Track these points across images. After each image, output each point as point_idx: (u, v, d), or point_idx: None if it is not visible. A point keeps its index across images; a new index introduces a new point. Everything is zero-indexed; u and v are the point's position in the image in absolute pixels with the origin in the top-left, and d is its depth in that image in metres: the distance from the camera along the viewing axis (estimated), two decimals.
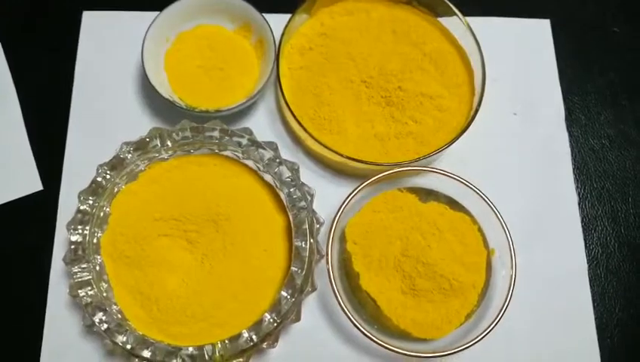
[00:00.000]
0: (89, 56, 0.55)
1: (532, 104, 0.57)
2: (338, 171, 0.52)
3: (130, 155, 0.46)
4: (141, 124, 0.51)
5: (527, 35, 0.59)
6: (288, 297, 0.43)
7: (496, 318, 0.45)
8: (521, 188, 0.53)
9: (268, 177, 0.48)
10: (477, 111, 0.50)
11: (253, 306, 0.44)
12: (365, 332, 0.44)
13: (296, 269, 0.43)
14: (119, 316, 0.43)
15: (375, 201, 0.49)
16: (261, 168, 0.48)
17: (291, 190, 0.46)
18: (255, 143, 0.47)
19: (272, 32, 0.51)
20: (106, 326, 0.42)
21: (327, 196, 0.49)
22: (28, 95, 0.54)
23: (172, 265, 0.45)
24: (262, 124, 0.53)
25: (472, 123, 0.50)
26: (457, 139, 0.49)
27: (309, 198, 0.46)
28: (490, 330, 0.44)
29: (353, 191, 0.48)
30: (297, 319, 0.44)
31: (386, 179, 0.49)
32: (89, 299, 0.43)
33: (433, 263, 0.46)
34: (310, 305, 0.48)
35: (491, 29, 0.58)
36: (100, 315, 0.42)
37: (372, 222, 0.48)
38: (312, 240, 0.44)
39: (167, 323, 0.43)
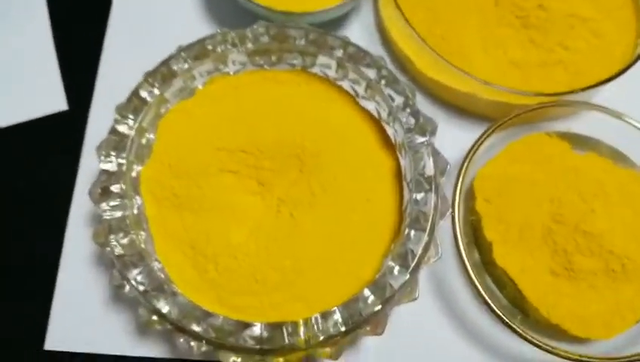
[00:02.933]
0: None
1: None
2: (461, 109, 0.38)
3: (185, 65, 0.33)
4: (201, 28, 0.37)
5: None
6: (398, 268, 0.29)
7: None
8: None
9: (370, 105, 0.34)
10: None
11: (350, 276, 0.30)
12: (510, 322, 0.30)
13: (414, 232, 0.30)
14: (162, 276, 0.30)
15: (514, 148, 0.35)
16: (360, 92, 0.34)
17: (404, 119, 0.32)
18: (355, 57, 0.34)
19: None
20: (142, 287, 0.29)
21: (448, 140, 0.35)
22: None
23: (238, 212, 0.31)
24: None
25: None
26: (627, 70, 0.35)
27: (431, 133, 0.33)
28: None
29: (487, 131, 0.34)
30: (412, 298, 0.31)
31: (529, 119, 0.35)
32: (121, 250, 0.29)
33: (599, 234, 0.32)
34: (421, 282, 0.34)
35: None
36: (135, 273, 0.29)
37: (510, 176, 0.34)
38: (436, 191, 0.31)
39: (229, 290, 0.30)
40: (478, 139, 0.33)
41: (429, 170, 0.31)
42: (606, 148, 0.36)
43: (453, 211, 0.32)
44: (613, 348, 0.32)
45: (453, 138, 0.35)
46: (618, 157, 0.35)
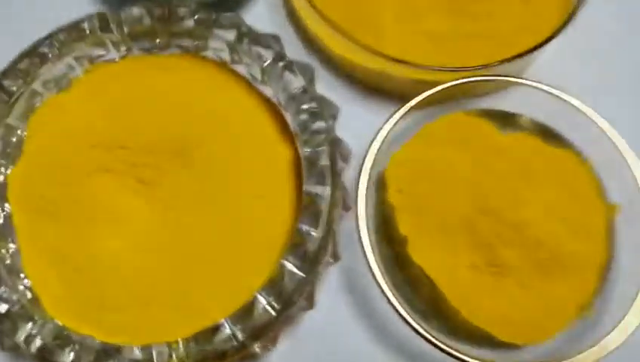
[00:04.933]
0: None
1: None
2: (371, 88, 0.34)
3: (57, 50, 0.29)
4: (80, 9, 0.32)
5: None
6: (295, 270, 0.25)
7: (625, 316, 0.27)
8: None
9: (267, 90, 0.30)
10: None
11: (241, 283, 0.26)
12: (421, 330, 0.26)
13: (307, 228, 0.26)
14: (28, 295, 0.26)
15: (430, 130, 0.30)
16: (257, 76, 0.30)
17: (303, 106, 0.28)
18: (249, 36, 0.30)
19: None
20: (3, 308, 0.25)
21: (356, 124, 0.30)
22: None
23: (115, 217, 0.27)
24: (257, 18, 0.34)
25: (575, 16, 0.32)
26: (553, 38, 0.31)
27: (331, 119, 0.29)
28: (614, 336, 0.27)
29: (398, 111, 0.30)
30: (309, 306, 0.27)
31: (445, 96, 0.31)
32: None
33: (525, 223, 0.28)
34: (329, 287, 0.30)
35: None
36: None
37: (426, 161, 0.30)
38: (333, 183, 0.27)
39: (102, 307, 0.26)
40: (388, 119, 0.29)
41: (325, 159, 0.27)
42: (535, 126, 0.31)
43: (357, 205, 0.28)
44: (549, 353, 0.28)
45: (362, 119, 0.31)
46: (549, 134, 0.31)
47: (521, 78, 0.31)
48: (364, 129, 0.30)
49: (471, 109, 0.31)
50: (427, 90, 0.30)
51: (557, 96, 0.30)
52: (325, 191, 0.26)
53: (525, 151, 0.30)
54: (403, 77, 0.31)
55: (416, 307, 0.28)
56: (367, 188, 0.28)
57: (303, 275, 0.25)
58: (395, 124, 0.29)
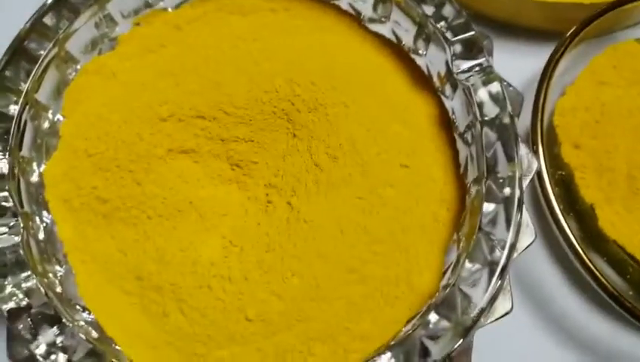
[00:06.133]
0: None
1: None
2: (507, 25, 0.26)
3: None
4: None
5: None
6: (478, 268, 0.18)
7: None
8: None
9: (385, 29, 0.23)
10: None
11: (396, 290, 0.18)
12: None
13: (484, 204, 0.18)
14: (94, 334, 0.18)
15: (598, 64, 0.23)
16: (369, 14, 0.22)
17: (443, 38, 0.21)
18: None
19: None
20: (63, 358, 0.17)
21: (502, 70, 0.21)
22: None
23: (205, 214, 0.19)
24: None
25: None
26: None
27: (487, 51, 0.21)
28: None
29: (565, 42, 0.22)
30: (504, 311, 0.19)
31: (611, 23, 0.24)
32: (23, 298, 0.17)
33: None
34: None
35: None
36: (46, 339, 0.17)
37: (603, 104, 0.23)
38: (512, 136, 0.19)
39: (205, 340, 0.18)
40: (554, 53, 0.22)
41: (494, 108, 0.20)
42: None
43: (539, 165, 0.20)
44: None
45: (504, 68, 0.23)
46: None
47: None
48: (513, 75, 0.22)
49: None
50: (574, 20, 0.23)
51: None
52: (499, 151, 0.19)
53: None
54: (545, 1, 0.24)
55: (630, 295, 0.21)
56: (542, 140, 0.21)
57: (495, 280, 0.17)
58: (560, 60, 0.22)
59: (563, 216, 0.20)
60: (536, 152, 0.21)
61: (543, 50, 0.23)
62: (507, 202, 0.18)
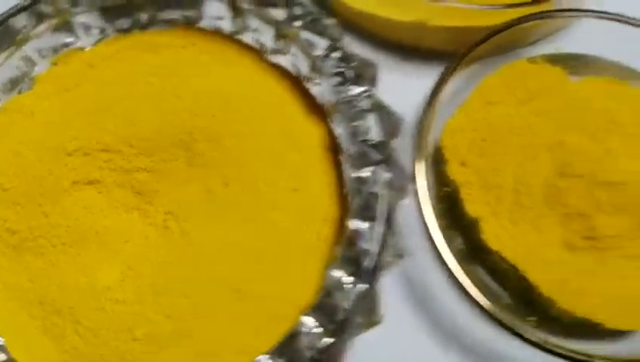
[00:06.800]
0: None
1: None
2: (404, 49, 0.28)
3: (11, 40, 0.23)
4: None
5: None
6: (348, 278, 0.20)
7: None
8: None
9: (285, 60, 0.24)
10: None
11: (280, 304, 0.20)
12: (517, 328, 0.21)
13: (360, 222, 0.20)
14: (2, 356, 0.20)
15: (489, 85, 0.25)
16: (268, 44, 0.24)
17: (333, 69, 0.23)
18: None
19: None
20: None
21: (393, 93, 0.23)
22: None
23: (108, 241, 0.21)
24: None
25: None
26: None
27: (370, 81, 0.23)
28: None
29: (452, 65, 0.24)
30: (373, 321, 0.21)
31: (503, 43, 0.25)
32: None
33: (623, 182, 0.23)
34: (389, 294, 0.24)
35: None
36: None
37: (490, 123, 0.24)
38: (387, 158, 0.21)
39: (99, 359, 0.19)
40: (442, 76, 0.23)
41: (375, 133, 0.22)
42: (610, 66, 0.26)
43: (416, 185, 0.22)
44: None
45: (398, 89, 0.24)
46: (629, 74, 0.26)
47: (586, 10, 0.26)
48: (405, 96, 0.24)
49: (535, 55, 0.26)
50: (473, 40, 0.24)
51: (632, 24, 0.25)
52: (379, 173, 0.21)
53: (604, 97, 0.25)
54: (444, 26, 0.25)
55: (501, 304, 0.22)
56: (425, 162, 0.23)
57: (363, 285, 0.19)
58: (448, 80, 0.24)
59: (445, 231, 0.22)
60: (416, 172, 0.22)
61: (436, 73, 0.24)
62: (378, 219, 0.20)
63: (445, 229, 0.23)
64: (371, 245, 0.20)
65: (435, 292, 0.24)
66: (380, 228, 0.20)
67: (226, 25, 0.24)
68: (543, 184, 0.23)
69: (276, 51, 0.24)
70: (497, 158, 0.23)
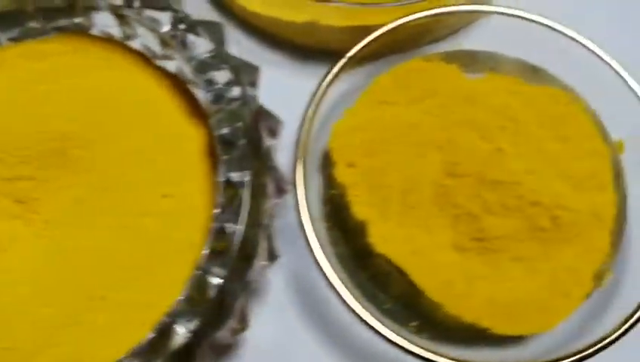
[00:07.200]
0: None
1: None
2: (295, 49, 0.27)
3: None
4: None
5: None
6: (216, 281, 0.19)
7: None
8: None
9: (171, 64, 0.24)
10: None
11: (144, 313, 0.19)
12: (391, 336, 0.20)
13: (227, 225, 0.20)
14: None
15: (380, 85, 0.24)
16: (156, 50, 0.24)
17: (213, 72, 0.23)
18: (142, 1, 0.24)
19: None
20: None
21: (283, 92, 0.23)
22: None
23: None
24: None
25: None
26: None
27: (250, 85, 0.23)
28: None
29: (336, 65, 0.24)
30: (242, 327, 0.21)
31: (394, 43, 0.25)
32: None
33: (513, 182, 0.22)
34: (274, 297, 0.24)
35: None
36: None
37: (379, 124, 0.24)
38: (258, 165, 0.21)
39: None
40: (324, 77, 0.23)
41: (254, 135, 0.21)
42: (512, 63, 0.26)
43: (295, 188, 0.22)
44: (558, 343, 0.22)
45: (289, 91, 0.23)
46: (530, 72, 0.25)
47: (488, 6, 0.25)
48: (296, 97, 0.24)
49: (429, 54, 0.25)
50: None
51: (537, 22, 0.25)
52: (245, 176, 0.20)
53: (503, 94, 0.24)
54: (337, 26, 0.25)
55: (387, 308, 0.22)
56: (305, 167, 0.22)
57: (228, 286, 0.19)
58: (332, 81, 0.23)
59: (332, 234, 0.22)
60: (296, 175, 0.22)
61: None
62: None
63: (333, 232, 0.23)
64: (237, 246, 0.19)
65: (319, 298, 0.23)
66: (242, 230, 0.19)
67: (116, 32, 0.24)
68: (432, 184, 0.22)
69: (164, 56, 0.24)
70: (385, 158, 0.23)
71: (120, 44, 0.24)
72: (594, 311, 0.22)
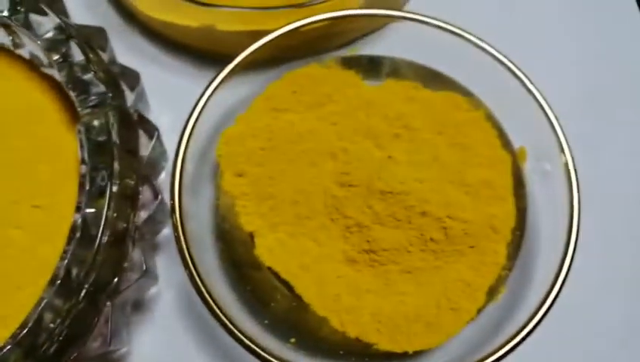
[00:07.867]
0: None
1: None
2: (199, 53, 0.27)
3: None
4: None
5: None
6: (60, 305, 0.18)
7: (550, 293, 0.20)
8: (567, 43, 0.28)
9: (54, 71, 0.24)
10: None
11: (8, 330, 0.19)
12: (268, 356, 0.19)
13: (74, 248, 0.19)
14: None
15: (273, 91, 0.23)
16: (42, 57, 0.24)
17: (90, 78, 0.22)
18: (25, 5, 0.23)
19: None
20: None
21: (178, 98, 0.22)
22: None
23: None
24: None
25: None
26: None
27: (132, 87, 0.22)
28: (542, 318, 0.20)
29: (222, 71, 0.23)
30: (107, 342, 0.19)
31: (290, 44, 0.24)
32: None
33: (406, 192, 0.21)
34: (163, 316, 0.23)
35: None
36: None
37: (271, 132, 0.23)
38: (120, 175, 0.20)
39: None
40: (210, 83, 0.22)
41: (126, 145, 0.20)
42: (414, 70, 0.25)
43: (174, 201, 0.21)
44: (452, 360, 0.21)
45: (191, 96, 0.22)
46: (431, 78, 0.25)
47: (387, 10, 0.24)
48: (190, 103, 0.23)
49: (328, 60, 0.25)
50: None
51: (440, 28, 0.24)
52: (114, 185, 0.19)
53: (400, 101, 0.23)
54: (231, 30, 0.24)
55: (271, 326, 0.21)
56: (180, 178, 0.21)
57: (71, 312, 0.18)
58: (217, 87, 0.22)
59: (220, 247, 0.21)
60: (172, 187, 0.21)
61: None
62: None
63: (220, 244, 0.22)
64: (87, 265, 0.18)
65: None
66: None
67: (6, 41, 0.24)
68: (323, 194, 0.22)
69: (49, 64, 0.23)
70: (275, 167, 0.22)
71: (8, 52, 0.24)
72: (491, 326, 0.21)
